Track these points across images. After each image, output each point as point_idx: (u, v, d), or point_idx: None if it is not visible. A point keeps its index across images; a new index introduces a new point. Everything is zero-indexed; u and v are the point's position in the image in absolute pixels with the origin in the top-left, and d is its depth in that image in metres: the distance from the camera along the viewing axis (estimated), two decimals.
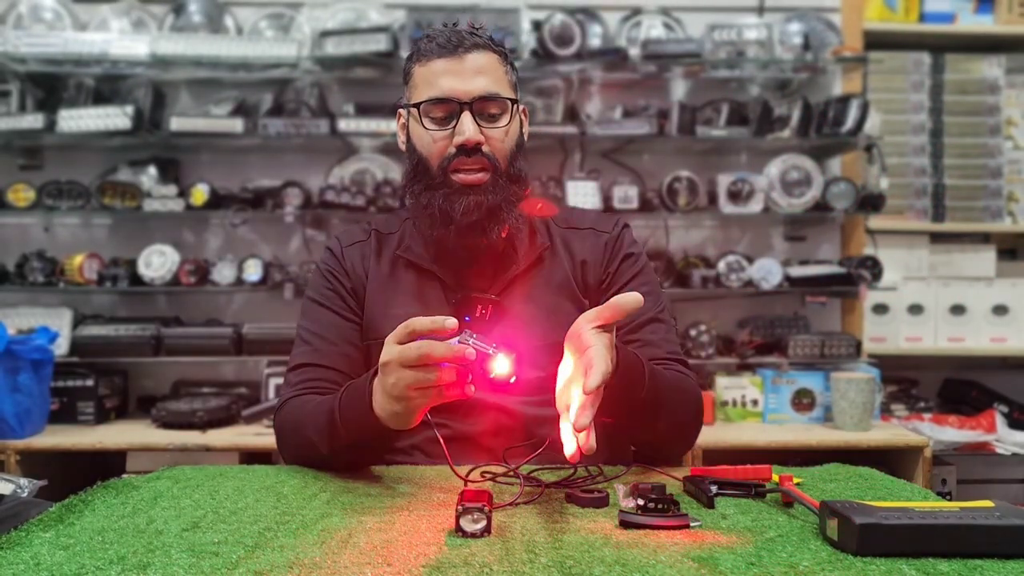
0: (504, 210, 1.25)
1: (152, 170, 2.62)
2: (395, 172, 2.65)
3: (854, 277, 2.53)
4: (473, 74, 1.23)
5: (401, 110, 1.32)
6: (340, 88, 2.72)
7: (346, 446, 1.11)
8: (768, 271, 2.53)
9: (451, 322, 0.95)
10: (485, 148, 1.23)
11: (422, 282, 1.32)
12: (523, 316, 1.29)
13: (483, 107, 1.24)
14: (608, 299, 1.27)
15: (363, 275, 1.34)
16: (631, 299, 0.98)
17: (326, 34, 2.50)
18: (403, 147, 1.32)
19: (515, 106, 1.28)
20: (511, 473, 1.07)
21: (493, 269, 1.31)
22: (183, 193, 2.49)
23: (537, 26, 2.52)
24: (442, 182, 1.24)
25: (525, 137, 1.34)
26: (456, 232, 1.24)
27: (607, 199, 2.52)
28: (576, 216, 1.39)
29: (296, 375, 1.29)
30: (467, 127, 1.22)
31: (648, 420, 1.14)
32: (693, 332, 2.53)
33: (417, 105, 1.25)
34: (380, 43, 2.45)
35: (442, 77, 1.23)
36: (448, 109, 1.23)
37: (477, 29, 1.28)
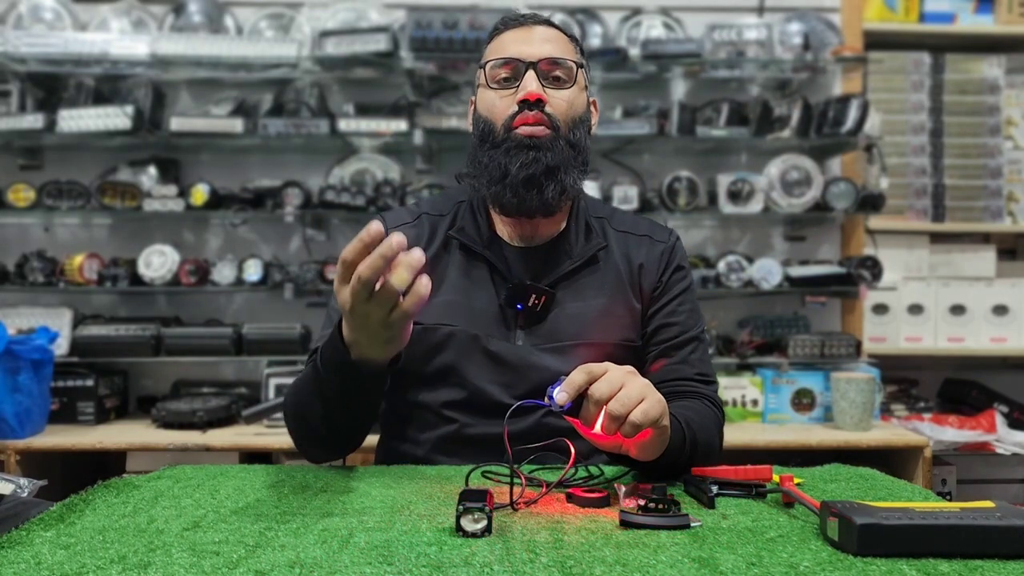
0: (563, 171, 1.24)
1: (152, 170, 2.62)
2: (395, 172, 2.65)
3: (854, 277, 2.53)
4: (540, 41, 1.26)
5: (472, 97, 1.35)
6: (340, 88, 2.72)
7: (336, 398, 1.10)
8: (768, 271, 2.53)
9: (376, 225, 0.91)
10: (548, 108, 1.24)
11: (470, 267, 1.31)
12: (574, 313, 1.29)
13: (548, 70, 1.25)
14: (658, 308, 1.33)
15: None
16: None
17: (326, 34, 2.50)
18: (470, 127, 1.33)
19: (580, 72, 1.28)
20: (512, 474, 1.07)
21: (547, 261, 1.31)
22: (183, 193, 2.49)
23: None
24: (505, 138, 1.24)
25: (593, 124, 1.34)
26: (511, 188, 1.23)
27: (607, 199, 2.51)
28: (630, 221, 1.40)
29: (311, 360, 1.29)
30: (530, 82, 1.23)
31: (681, 466, 1.13)
32: None
33: (483, 65, 1.28)
34: (380, 43, 2.45)
35: (510, 44, 1.27)
36: (513, 70, 1.25)
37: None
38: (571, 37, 1.32)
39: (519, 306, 1.27)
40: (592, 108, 1.34)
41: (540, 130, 1.23)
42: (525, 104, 1.23)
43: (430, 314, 1.26)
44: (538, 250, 1.31)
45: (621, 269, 1.33)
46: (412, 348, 1.26)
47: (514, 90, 1.25)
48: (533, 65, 1.24)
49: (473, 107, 1.34)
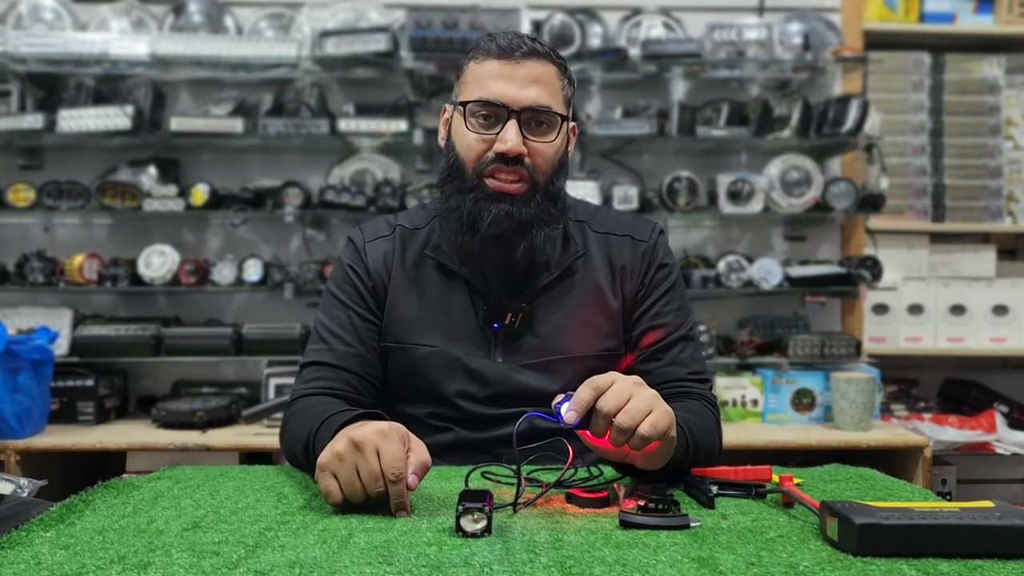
0: (536, 228, 1.21)
1: (152, 170, 2.62)
2: (395, 172, 2.65)
3: (854, 277, 2.53)
4: (527, 82, 1.19)
5: (447, 105, 1.29)
6: (340, 88, 2.72)
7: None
8: (768, 271, 2.53)
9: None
10: (527, 160, 1.20)
11: (448, 285, 1.29)
12: (553, 327, 1.27)
13: (531, 117, 1.20)
14: (643, 311, 1.29)
15: (384, 275, 1.31)
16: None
17: (326, 34, 2.50)
18: (442, 143, 1.29)
19: (565, 123, 1.23)
20: (513, 475, 1.07)
21: (525, 275, 1.28)
22: (183, 193, 2.49)
23: (537, 26, 2.52)
24: (475, 186, 1.20)
25: (570, 156, 1.30)
26: (480, 242, 1.21)
27: (607, 199, 2.51)
28: (612, 219, 1.36)
29: (308, 372, 1.28)
30: (510, 136, 1.17)
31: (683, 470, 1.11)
32: None
33: (465, 104, 1.21)
34: (380, 43, 2.45)
35: (494, 80, 1.19)
36: (495, 112, 1.20)
37: (538, 39, 1.25)
38: (560, 65, 1.24)
39: (495, 325, 1.26)
40: (571, 135, 1.29)
41: (514, 187, 1.19)
42: (502, 158, 1.18)
43: (411, 334, 1.26)
44: (517, 263, 1.27)
45: (600, 274, 1.30)
46: (394, 367, 1.27)
47: (493, 136, 1.19)
48: (517, 115, 1.18)
49: (448, 123, 1.28)
